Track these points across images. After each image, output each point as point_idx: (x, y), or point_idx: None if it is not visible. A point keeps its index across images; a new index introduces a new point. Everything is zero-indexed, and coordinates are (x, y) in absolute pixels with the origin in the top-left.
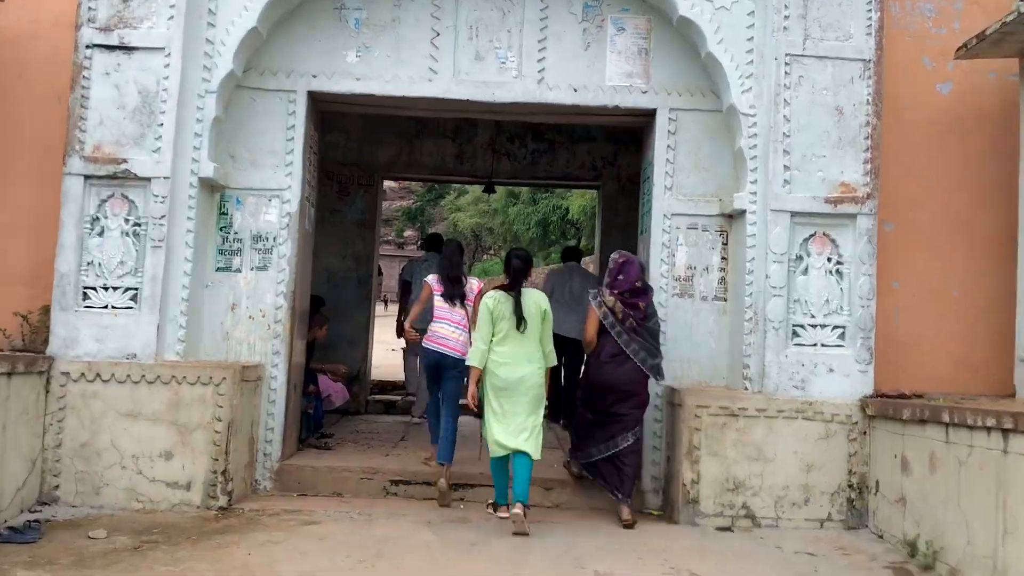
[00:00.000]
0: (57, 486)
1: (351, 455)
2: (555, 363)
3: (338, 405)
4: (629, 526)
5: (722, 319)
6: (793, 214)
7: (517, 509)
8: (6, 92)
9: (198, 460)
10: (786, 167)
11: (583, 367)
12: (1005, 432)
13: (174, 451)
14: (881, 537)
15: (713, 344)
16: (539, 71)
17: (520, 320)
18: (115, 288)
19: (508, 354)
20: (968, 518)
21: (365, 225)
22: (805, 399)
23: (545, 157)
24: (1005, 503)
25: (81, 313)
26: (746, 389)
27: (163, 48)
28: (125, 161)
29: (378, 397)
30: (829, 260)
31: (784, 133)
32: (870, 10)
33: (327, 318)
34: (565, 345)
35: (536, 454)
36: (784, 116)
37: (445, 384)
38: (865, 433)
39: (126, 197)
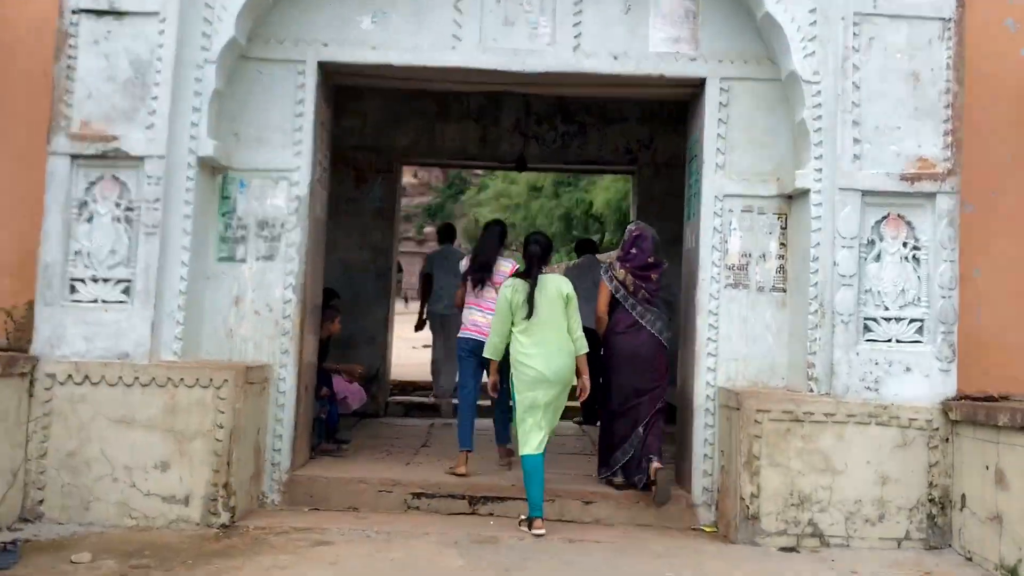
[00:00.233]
0: (41, 501)
1: (368, 464)
2: (586, 349)
3: (355, 408)
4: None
5: (780, 312)
6: (864, 193)
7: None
8: None
9: (197, 472)
10: (856, 140)
11: (601, 348)
12: None
13: (171, 461)
14: (970, 559)
15: (771, 340)
16: (575, 36)
17: (531, 308)
18: (105, 280)
19: (534, 343)
20: None
21: (383, 215)
22: (879, 402)
23: (576, 140)
24: None
25: (68, 308)
26: (811, 391)
27: (157, 12)
28: (116, 138)
29: (398, 399)
30: (904, 245)
31: (853, 102)
32: None
33: (339, 311)
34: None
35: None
36: (853, 83)
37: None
38: (948, 440)
39: (117, 179)
